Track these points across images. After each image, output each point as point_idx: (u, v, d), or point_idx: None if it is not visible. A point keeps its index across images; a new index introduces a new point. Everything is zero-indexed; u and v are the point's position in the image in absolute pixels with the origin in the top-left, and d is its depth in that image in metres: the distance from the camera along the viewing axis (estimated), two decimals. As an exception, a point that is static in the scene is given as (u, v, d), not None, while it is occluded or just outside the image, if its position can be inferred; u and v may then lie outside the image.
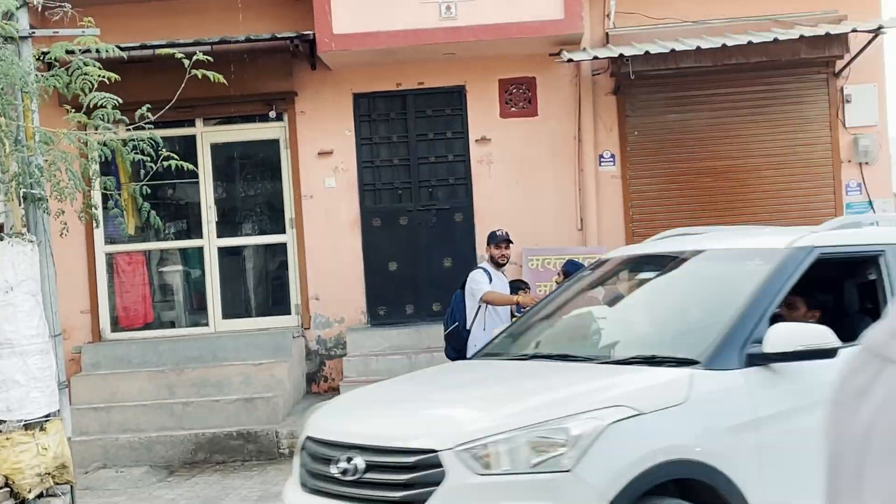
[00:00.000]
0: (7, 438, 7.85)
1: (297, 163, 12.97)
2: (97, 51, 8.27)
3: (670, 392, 5.18)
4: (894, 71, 24.10)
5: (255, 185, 13.70)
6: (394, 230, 12.94)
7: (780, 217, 12.50)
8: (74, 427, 9.57)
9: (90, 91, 8.12)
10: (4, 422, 7.98)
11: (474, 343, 9.28)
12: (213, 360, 12.25)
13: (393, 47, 12.01)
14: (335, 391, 12.31)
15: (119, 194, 9.50)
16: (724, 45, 11.37)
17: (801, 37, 11.45)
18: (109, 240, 13.06)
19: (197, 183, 12.97)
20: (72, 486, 8.37)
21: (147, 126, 8.23)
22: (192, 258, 13.34)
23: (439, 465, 4.97)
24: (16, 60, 7.92)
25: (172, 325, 13.36)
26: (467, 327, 9.45)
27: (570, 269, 9.77)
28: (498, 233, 9.80)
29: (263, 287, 13.63)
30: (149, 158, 8.18)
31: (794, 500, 5.11)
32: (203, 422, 11.47)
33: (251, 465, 11.02)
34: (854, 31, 11.66)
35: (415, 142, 12.95)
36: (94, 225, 9.56)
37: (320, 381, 12.96)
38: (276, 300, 13.42)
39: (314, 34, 11.94)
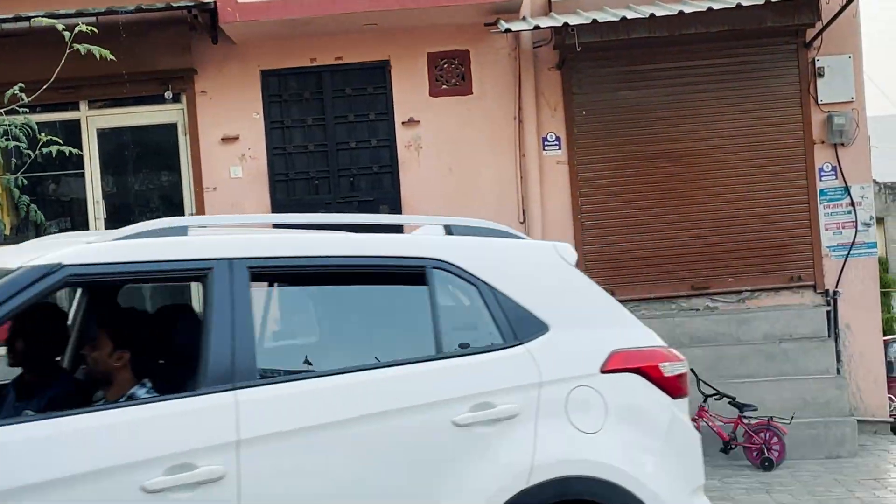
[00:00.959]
0: None
1: (197, 150, 12.91)
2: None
3: None
4: (871, 41, 24.47)
5: (149, 176, 13.60)
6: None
7: (747, 206, 12.70)
8: None
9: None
10: None
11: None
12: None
13: (306, 17, 11.98)
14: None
15: (-10, 187, 9.44)
16: (680, 13, 11.48)
17: (768, 2, 11.56)
18: (-19, 241, 12.94)
19: (82, 174, 12.88)
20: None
21: (21, 110, 8.16)
22: (79, 261, 13.20)
23: None
24: None
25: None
26: None
27: None
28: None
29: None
30: (24, 145, 8.11)
31: None
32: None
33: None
34: (826, -6, 11.90)
35: (333, 125, 12.95)
36: (-39, 223, 9.49)
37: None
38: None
39: (215, 3, 11.89)
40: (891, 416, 13.27)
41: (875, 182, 19.03)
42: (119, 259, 4.89)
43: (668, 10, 11.57)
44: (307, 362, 5.36)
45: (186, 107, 12.95)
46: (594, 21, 11.52)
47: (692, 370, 11.17)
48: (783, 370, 11.92)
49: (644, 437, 5.43)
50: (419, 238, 5.65)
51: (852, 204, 12.73)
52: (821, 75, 12.68)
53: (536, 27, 11.81)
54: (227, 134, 12.86)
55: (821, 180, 12.77)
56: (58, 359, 6.42)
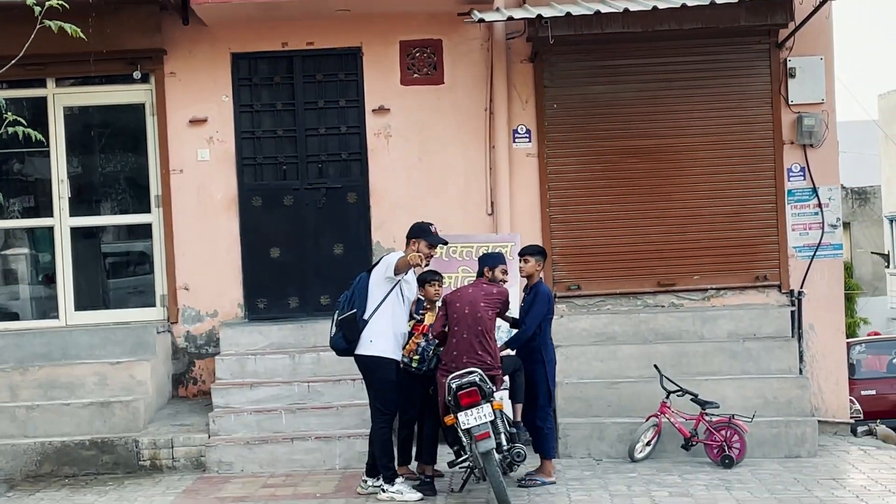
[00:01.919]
0: None
1: (165, 132, 12.88)
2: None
3: None
4: (843, 43, 24.67)
5: (115, 157, 13.56)
6: (277, 211, 12.93)
7: (715, 203, 12.78)
8: None
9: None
10: None
11: (370, 338, 9.53)
12: (64, 358, 12.14)
13: (278, 1, 11.99)
14: (206, 395, 12.29)
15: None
16: (654, 8, 11.54)
17: (741, 1, 11.65)
18: (-58, 218, 12.90)
19: (47, 153, 12.83)
20: None
21: (-13, 85, 8.13)
22: (41, 240, 13.19)
23: None
24: None
25: (16, 317, 13.19)
26: (364, 316, 9.55)
27: (488, 263, 9.95)
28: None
29: (124, 274, 13.53)
30: (-10, 122, 8.08)
31: None
32: (51, 428, 11.36)
33: (106, 478, 10.95)
34: (799, -5, 11.96)
35: (302, 110, 12.94)
36: (-76, 200, 9.44)
37: (188, 384, 12.89)
38: (138, 290, 13.31)
39: (187, -17, 11.89)
40: (851, 417, 13.38)
41: (843, 187, 19.15)
42: None
43: (642, 5, 11.62)
44: None
45: (155, 87, 12.92)
46: (568, 14, 11.56)
47: (655, 366, 11.28)
48: (746, 369, 11.99)
49: None
50: None
51: (819, 205, 12.82)
52: (792, 76, 12.76)
53: (510, 18, 11.83)
54: (196, 116, 12.83)
55: (789, 181, 12.85)
56: None
